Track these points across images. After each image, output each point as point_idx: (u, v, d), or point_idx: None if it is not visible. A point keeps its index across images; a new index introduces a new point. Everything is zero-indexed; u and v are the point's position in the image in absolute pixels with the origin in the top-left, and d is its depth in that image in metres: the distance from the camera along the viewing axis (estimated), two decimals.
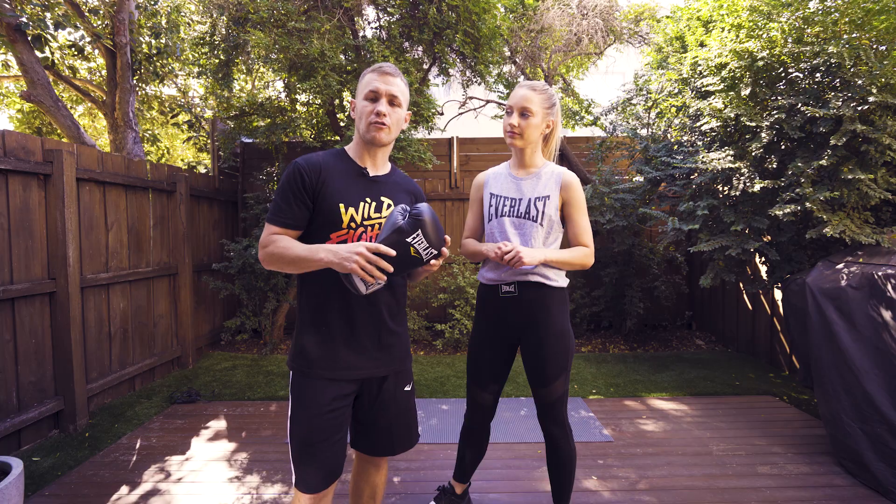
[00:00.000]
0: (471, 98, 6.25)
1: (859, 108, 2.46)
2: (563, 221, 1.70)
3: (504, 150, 5.38)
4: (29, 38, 3.70)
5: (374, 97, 1.33)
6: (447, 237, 1.25)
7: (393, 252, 1.14)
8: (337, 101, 4.18)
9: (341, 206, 1.30)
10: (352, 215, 1.31)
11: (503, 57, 5.78)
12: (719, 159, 3.00)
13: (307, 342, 1.32)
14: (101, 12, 4.39)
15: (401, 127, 1.40)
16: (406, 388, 1.45)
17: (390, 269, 1.14)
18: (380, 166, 1.42)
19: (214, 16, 4.22)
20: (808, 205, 2.54)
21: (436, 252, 1.21)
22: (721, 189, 3.34)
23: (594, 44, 5.81)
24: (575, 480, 1.89)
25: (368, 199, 1.34)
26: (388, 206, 1.37)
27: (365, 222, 1.33)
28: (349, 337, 1.31)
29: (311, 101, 4.61)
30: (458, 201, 5.24)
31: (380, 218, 1.34)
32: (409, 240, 1.17)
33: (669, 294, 4.61)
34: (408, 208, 1.23)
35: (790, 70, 2.89)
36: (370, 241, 1.28)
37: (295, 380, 1.33)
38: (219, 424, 2.91)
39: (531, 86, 1.66)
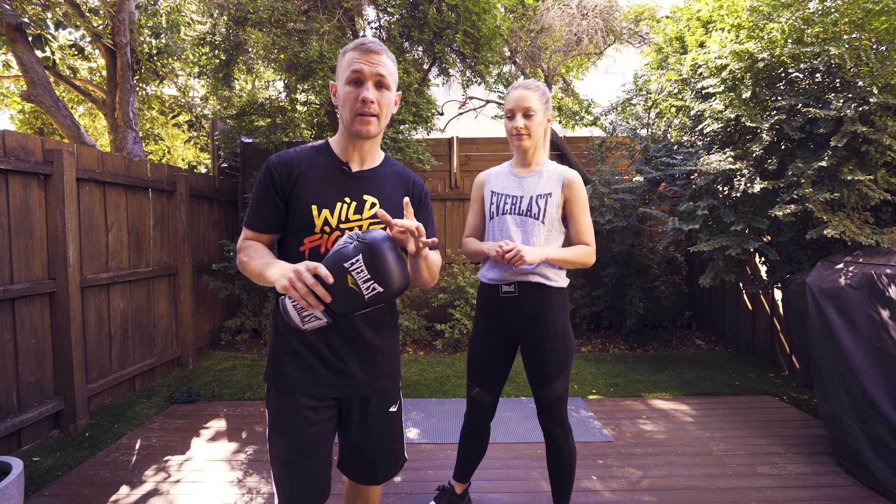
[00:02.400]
0: (471, 98, 6.26)
1: (860, 109, 2.46)
2: (564, 220, 1.70)
3: (504, 150, 5.38)
4: (29, 38, 3.70)
5: (357, 80, 1.14)
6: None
7: (331, 278, 0.94)
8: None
9: (314, 207, 1.15)
10: (325, 218, 1.16)
11: (503, 57, 5.79)
12: (720, 161, 3.00)
13: (281, 355, 1.20)
14: (101, 12, 4.39)
15: (391, 111, 1.22)
16: (391, 409, 1.30)
17: (327, 297, 0.95)
18: (367, 159, 1.25)
19: (215, 15, 4.22)
20: (808, 205, 2.54)
21: (380, 289, 0.97)
22: (721, 189, 3.34)
23: (594, 44, 5.81)
24: (575, 480, 1.89)
25: (348, 199, 1.19)
26: (373, 205, 1.21)
27: (342, 225, 1.17)
28: (326, 353, 1.18)
29: (310, 101, 4.61)
30: (458, 201, 5.24)
31: (360, 220, 1.19)
32: (346, 265, 0.96)
33: (669, 294, 4.61)
34: (359, 233, 1.02)
35: (790, 71, 2.90)
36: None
37: (271, 396, 1.20)
38: (219, 424, 2.91)
39: (525, 85, 1.65)
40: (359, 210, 1.19)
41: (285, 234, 1.22)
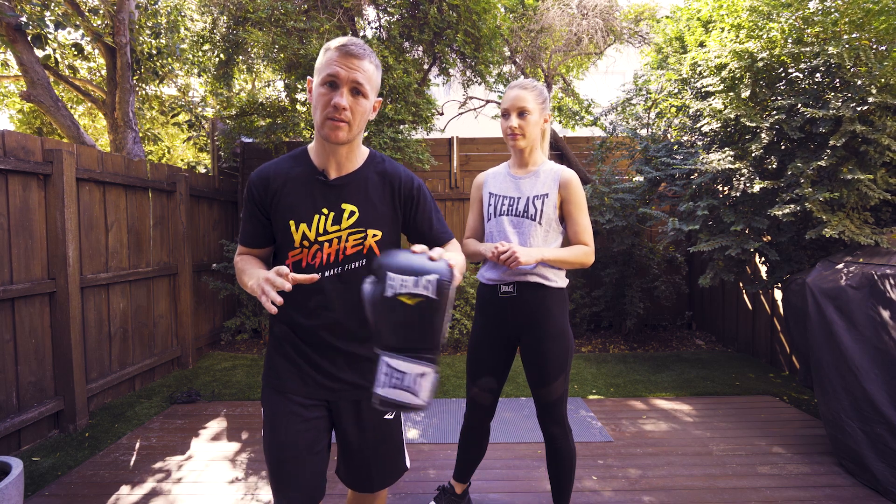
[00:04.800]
0: (471, 98, 6.25)
1: (859, 109, 2.46)
2: (562, 220, 1.70)
3: (504, 150, 5.38)
4: (29, 38, 3.70)
5: (332, 83, 1.08)
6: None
7: (315, 276, 0.98)
8: None
9: (291, 222, 1.14)
10: (304, 232, 1.14)
11: (503, 57, 5.78)
12: (719, 160, 3.00)
13: (276, 357, 1.22)
14: (101, 12, 4.39)
15: (367, 119, 1.16)
16: (387, 416, 1.27)
17: (286, 286, 0.94)
18: (345, 164, 1.19)
19: (215, 15, 4.22)
20: (807, 205, 2.54)
21: (432, 278, 0.92)
22: (721, 189, 3.34)
23: (594, 44, 5.81)
24: (575, 480, 1.90)
25: (325, 210, 1.15)
26: (352, 213, 1.16)
27: (320, 238, 1.14)
28: (315, 357, 1.19)
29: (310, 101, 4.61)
30: (458, 201, 5.24)
31: (339, 231, 1.15)
32: (391, 283, 0.91)
33: (669, 294, 4.61)
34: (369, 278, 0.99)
35: (790, 70, 2.90)
36: (327, 258, 1.15)
37: (265, 395, 1.22)
38: (219, 424, 2.91)
39: (522, 85, 1.65)
40: (337, 220, 1.15)
41: (276, 248, 1.24)
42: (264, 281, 0.97)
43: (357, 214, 1.16)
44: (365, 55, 1.10)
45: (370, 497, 1.35)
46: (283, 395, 1.19)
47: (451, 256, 1.05)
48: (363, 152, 1.24)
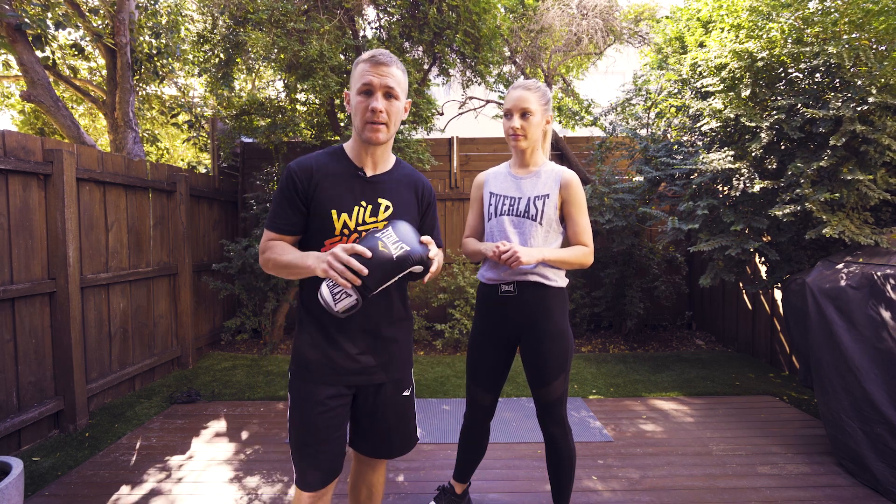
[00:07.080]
0: (471, 98, 6.26)
1: (859, 109, 2.46)
2: (562, 221, 1.70)
3: (504, 150, 5.39)
4: (29, 39, 3.70)
5: (368, 91, 1.23)
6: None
7: (369, 252, 1.06)
8: (336, 101, 4.19)
9: (333, 211, 1.24)
10: (345, 221, 1.25)
11: (503, 57, 5.79)
12: (719, 160, 3.00)
13: (304, 346, 1.30)
14: (101, 12, 4.40)
15: (401, 119, 1.32)
16: (405, 393, 1.41)
17: (364, 270, 1.05)
18: (380, 164, 1.34)
19: (215, 15, 4.22)
20: (807, 205, 2.54)
21: (407, 248, 1.11)
22: (721, 189, 3.34)
23: (594, 44, 5.81)
24: (575, 480, 1.90)
25: (364, 203, 1.28)
26: (387, 208, 1.30)
27: (359, 228, 1.27)
28: (344, 343, 1.28)
29: (310, 101, 4.61)
30: (458, 201, 5.24)
31: (376, 222, 1.29)
32: (377, 235, 1.12)
33: (669, 294, 4.61)
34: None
35: (790, 70, 2.90)
36: None
37: (292, 382, 1.32)
38: (219, 424, 2.91)
39: (525, 85, 1.65)
40: (374, 213, 1.29)
41: (306, 237, 1.30)
42: (330, 255, 1.07)
43: (392, 209, 1.31)
44: (392, 62, 1.24)
45: (375, 476, 1.49)
46: (310, 384, 1.28)
47: (437, 254, 1.22)
48: (392, 157, 1.40)
